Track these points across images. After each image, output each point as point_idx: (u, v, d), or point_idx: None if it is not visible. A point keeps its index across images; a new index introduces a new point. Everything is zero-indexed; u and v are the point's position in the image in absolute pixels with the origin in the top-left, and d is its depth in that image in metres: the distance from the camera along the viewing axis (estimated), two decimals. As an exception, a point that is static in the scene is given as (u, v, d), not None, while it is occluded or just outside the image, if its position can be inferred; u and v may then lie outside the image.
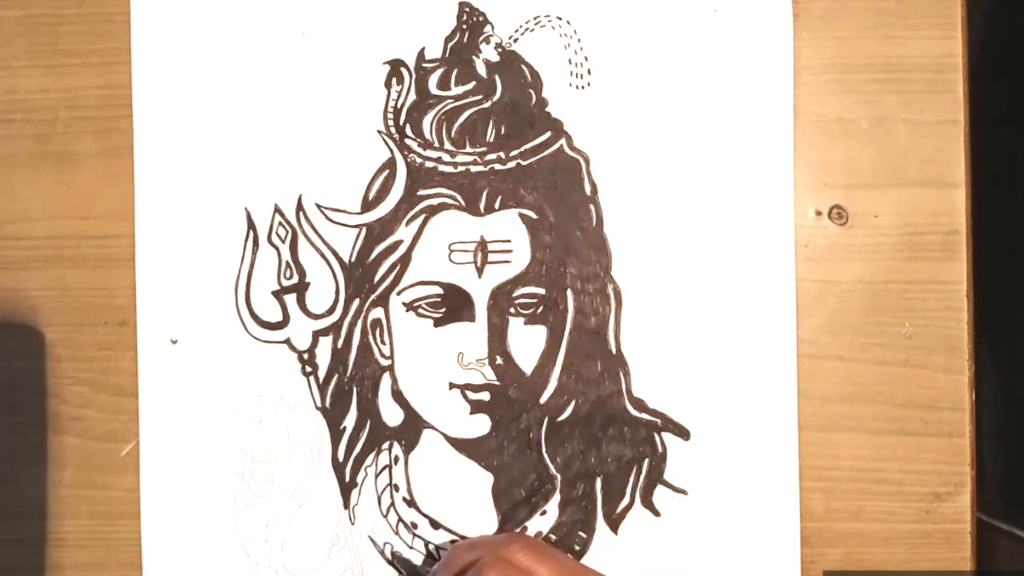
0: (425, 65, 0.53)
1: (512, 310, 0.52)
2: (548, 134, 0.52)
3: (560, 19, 0.53)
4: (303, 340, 0.53)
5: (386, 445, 0.53)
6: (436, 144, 0.53)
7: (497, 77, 0.53)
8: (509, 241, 0.52)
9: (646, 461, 0.52)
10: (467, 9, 0.53)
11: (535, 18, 0.53)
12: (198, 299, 0.53)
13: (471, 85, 0.53)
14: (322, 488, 0.53)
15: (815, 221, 0.52)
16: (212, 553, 0.53)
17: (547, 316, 0.52)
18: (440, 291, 0.52)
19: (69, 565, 0.54)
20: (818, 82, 0.52)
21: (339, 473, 0.53)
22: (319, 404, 0.53)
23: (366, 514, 0.53)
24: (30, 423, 0.54)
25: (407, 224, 0.53)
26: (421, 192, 0.53)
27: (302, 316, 0.53)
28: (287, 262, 0.53)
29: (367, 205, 0.53)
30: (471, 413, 0.52)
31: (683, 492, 0.52)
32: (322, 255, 0.53)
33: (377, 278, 0.53)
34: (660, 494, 0.52)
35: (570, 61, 0.52)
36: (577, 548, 0.52)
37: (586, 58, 0.52)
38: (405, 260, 0.53)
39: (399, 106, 0.53)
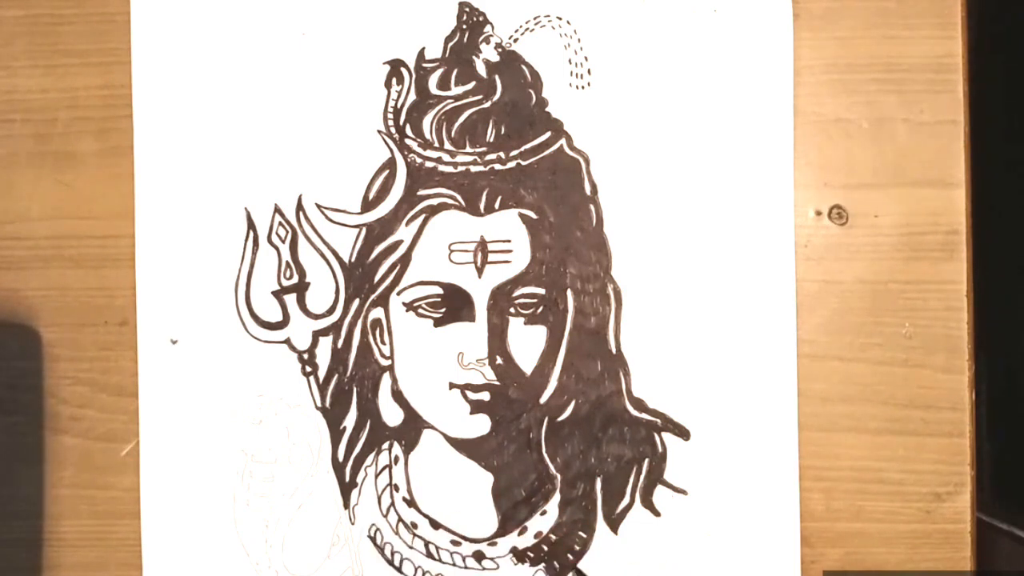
0: (425, 65, 0.53)
1: (512, 310, 0.52)
2: (548, 134, 0.52)
3: (560, 19, 0.53)
4: (303, 340, 0.53)
5: (386, 445, 0.53)
6: (436, 144, 0.52)
7: (497, 77, 0.53)
8: (509, 241, 0.52)
9: (646, 461, 0.52)
10: (467, 9, 0.53)
11: (535, 18, 0.53)
12: (198, 299, 0.53)
13: (471, 85, 0.53)
14: (322, 488, 0.53)
15: (815, 221, 0.52)
16: (212, 553, 0.53)
17: (547, 316, 0.52)
18: (440, 291, 0.52)
19: (69, 565, 0.54)
20: (818, 82, 0.52)
21: (339, 473, 0.53)
22: (319, 404, 0.53)
23: (366, 514, 0.53)
24: (30, 423, 0.54)
25: (407, 224, 0.53)
26: (421, 192, 0.53)
27: (302, 316, 0.53)
28: (287, 262, 0.53)
29: (367, 205, 0.53)
30: (471, 413, 0.52)
31: (683, 492, 0.52)
32: (322, 255, 0.53)
33: (377, 278, 0.53)
34: (660, 494, 0.52)
35: (570, 61, 0.52)
36: (577, 548, 0.52)
37: (586, 58, 0.52)
38: (405, 260, 0.52)
39: (399, 106, 0.53)
